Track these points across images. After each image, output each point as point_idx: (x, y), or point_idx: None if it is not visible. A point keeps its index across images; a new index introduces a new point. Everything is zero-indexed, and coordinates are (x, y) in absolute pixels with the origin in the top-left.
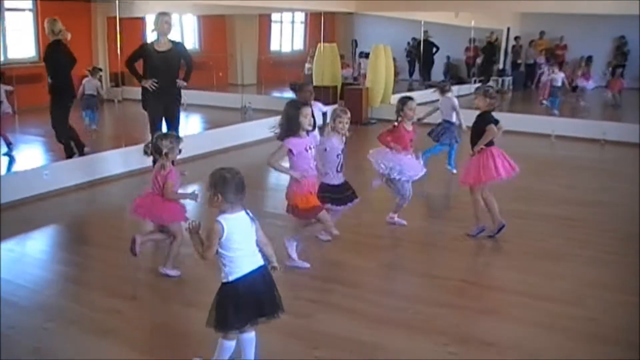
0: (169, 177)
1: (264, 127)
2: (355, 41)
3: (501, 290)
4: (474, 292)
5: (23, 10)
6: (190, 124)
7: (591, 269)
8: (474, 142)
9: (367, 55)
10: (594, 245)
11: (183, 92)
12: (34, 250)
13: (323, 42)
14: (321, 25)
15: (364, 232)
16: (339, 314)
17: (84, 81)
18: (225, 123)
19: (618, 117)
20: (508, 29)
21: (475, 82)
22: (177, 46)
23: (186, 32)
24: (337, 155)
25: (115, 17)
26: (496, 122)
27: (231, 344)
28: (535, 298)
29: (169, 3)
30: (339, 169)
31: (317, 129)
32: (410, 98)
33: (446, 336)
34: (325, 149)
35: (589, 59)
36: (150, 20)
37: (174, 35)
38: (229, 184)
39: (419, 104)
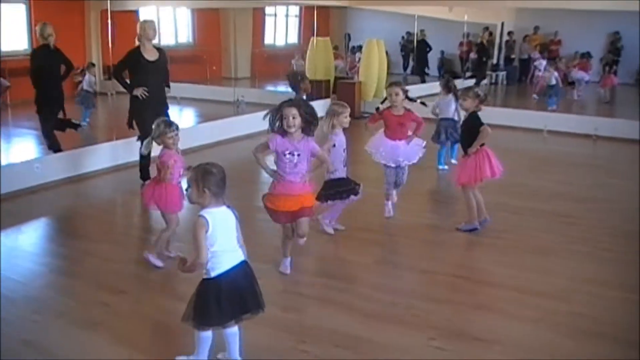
0: (163, 161)
1: (257, 121)
2: (349, 35)
3: (493, 286)
4: (466, 287)
5: (16, 1)
6: (183, 118)
7: (583, 265)
8: (467, 142)
9: (360, 49)
10: (586, 241)
11: (177, 85)
12: (24, 243)
13: (316, 36)
14: (314, 19)
15: (358, 226)
16: (329, 308)
17: (85, 77)
18: (218, 116)
19: (610, 113)
20: (502, 24)
21: (468, 77)
22: (162, 53)
23: (180, 25)
24: (344, 150)
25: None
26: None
27: (208, 334)
28: (526, 293)
29: None
30: (344, 163)
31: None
32: (394, 83)
33: (436, 331)
34: (334, 145)
35: (587, 54)
36: (143, 13)
37: (168, 29)
38: (213, 177)
39: (412, 99)
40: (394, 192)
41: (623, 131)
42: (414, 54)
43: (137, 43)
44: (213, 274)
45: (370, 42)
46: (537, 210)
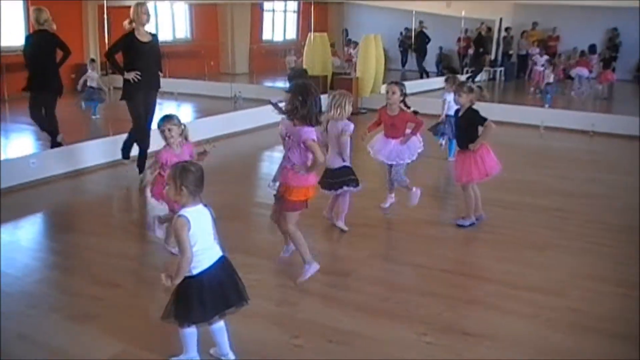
0: (157, 159)
1: (255, 116)
2: (346, 30)
3: (488, 281)
4: (460, 282)
5: None
6: (181, 113)
7: (579, 260)
8: (467, 138)
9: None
10: (580, 236)
11: (174, 81)
12: (20, 238)
13: (314, 31)
14: (311, 14)
15: (353, 221)
16: (323, 303)
17: (86, 75)
18: (216, 112)
19: (607, 109)
20: (500, 20)
21: (467, 72)
22: (155, 38)
23: (177, 20)
24: (351, 138)
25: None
26: None
27: (192, 330)
28: (521, 289)
29: None
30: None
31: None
32: (394, 82)
33: (426, 325)
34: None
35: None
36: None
37: (166, 24)
38: (191, 175)
39: (412, 94)
40: (392, 193)
41: (620, 127)
42: (412, 50)
43: (130, 27)
44: (195, 272)
45: (368, 37)
46: (533, 205)
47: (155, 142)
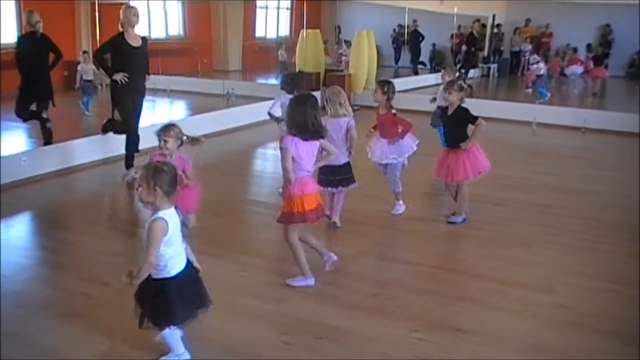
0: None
1: (247, 113)
2: (339, 27)
3: (476, 277)
4: (449, 278)
5: None
6: (174, 110)
7: (565, 256)
8: (458, 136)
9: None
10: (569, 233)
11: (167, 78)
12: (10, 236)
13: (307, 28)
14: (303, 11)
15: (344, 218)
16: (312, 300)
17: (79, 67)
18: (209, 109)
19: (599, 105)
20: (493, 16)
21: (459, 69)
22: (145, 41)
23: (171, 18)
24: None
25: (101, 3)
26: None
27: (174, 330)
28: (509, 285)
29: None
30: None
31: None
32: (381, 81)
33: (417, 322)
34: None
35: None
36: (133, 5)
37: (159, 21)
38: (164, 175)
39: (406, 91)
40: (399, 200)
41: (612, 123)
42: (405, 47)
43: (119, 29)
44: (173, 272)
45: (361, 33)
46: (521, 202)
47: (146, 143)
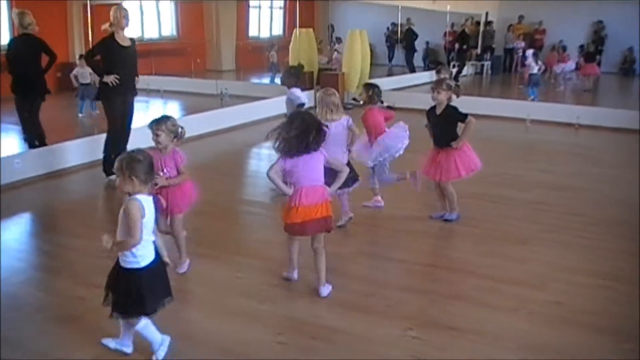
0: None
1: (241, 113)
2: (332, 26)
3: (469, 275)
4: (443, 276)
5: None
6: (167, 111)
7: (559, 253)
8: (448, 135)
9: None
10: (564, 230)
11: (161, 78)
12: (4, 238)
13: (300, 27)
14: (296, 10)
15: (336, 218)
16: (306, 300)
17: (74, 71)
18: (203, 109)
19: (592, 102)
20: (487, 14)
21: (453, 67)
22: (133, 42)
23: (163, 18)
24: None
25: (93, 4)
26: None
27: (145, 320)
28: (503, 282)
29: None
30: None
31: None
32: (366, 83)
33: (411, 320)
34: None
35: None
36: (125, 6)
37: (151, 22)
38: (140, 164)
39: (400, 89)
40: (377, 196)
41: (605, 120)
42: (399, 45)
43: (109, 30)
44: (143, 263)
45: (353, 32)
46: (515, 199)
47: (135, 144)
